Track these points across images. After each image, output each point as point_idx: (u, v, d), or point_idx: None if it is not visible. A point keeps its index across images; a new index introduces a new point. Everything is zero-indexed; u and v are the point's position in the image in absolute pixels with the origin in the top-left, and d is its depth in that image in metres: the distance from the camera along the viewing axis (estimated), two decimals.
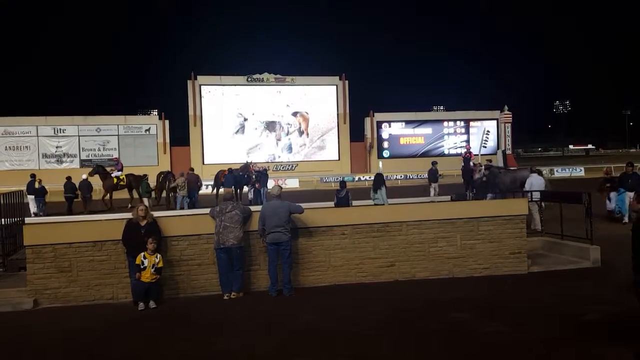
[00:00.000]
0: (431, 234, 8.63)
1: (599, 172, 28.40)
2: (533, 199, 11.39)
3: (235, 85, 44.38)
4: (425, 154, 45.66)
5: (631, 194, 11.29)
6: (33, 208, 18.69)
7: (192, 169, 21.75)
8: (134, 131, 42.28)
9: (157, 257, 7.54)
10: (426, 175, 23.17)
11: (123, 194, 22.41)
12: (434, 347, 5.59)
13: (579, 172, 40.44)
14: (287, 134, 45.61)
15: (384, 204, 12.12)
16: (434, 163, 20.79)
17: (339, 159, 46.07)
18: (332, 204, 12.45)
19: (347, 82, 46.10)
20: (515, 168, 19.75)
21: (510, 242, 8.76)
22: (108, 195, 21.42)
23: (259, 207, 9.07)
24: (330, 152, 46.26)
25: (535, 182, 12.63)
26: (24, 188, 16.26)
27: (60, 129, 40.97)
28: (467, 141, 45.96)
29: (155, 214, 9.30)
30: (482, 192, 13.75)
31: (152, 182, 21.19)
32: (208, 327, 6.59)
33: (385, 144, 47.06)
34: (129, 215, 8.75)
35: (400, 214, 8.77)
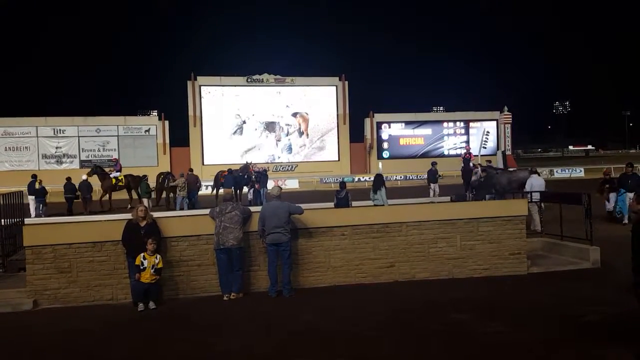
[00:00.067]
0: (431, 234, 8.63)
1: (598, 172, 28.40)
2: (533, 200, 11.39)
3: (235, 86, 44.41)
4: (425, 155, 45.69)
5: (631, 195, 11.29)
6: (33, 209, 18.69)
7: (192, 170, 21.75)
8: (134, 132, 42.30)
9: (156, 257, 7.54)
10: (426, 176, 23.15)
11: (123, 195, 22.40)
12: (434, 347, 5.58)
13: (578, 172, 40.45)
14: (287, 134, 45.63)
15: (383, 205, 12.13)
16: (434, 164, 20.78)
17: (339, 160, 46.10)
18: (331, 204, 12.45)
19: (346, 82, 46.15)
20: (514, 169, 19.76)
21: (510, 243, 8.76)
22: (107, 195, 21.41)
23: (258, 208, 9.08)
24: (330, 152, 46.28)
25: (535, 183, 12.64)
26: (23, 189, 16.26)
27: (60, 130, 40.99)
28: (467, 142, 45.97)
29: (155, 214, 9.30)
30: (480, 194, 13.76)
31: (152, 182, 21.17)
32: (208, 328, 6.58)
33: (385, 145, 47.09)
34: (128, 216, 8.75)
35: (400, 215, 8.77)
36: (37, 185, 19.05)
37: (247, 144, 44.24)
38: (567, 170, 41.07)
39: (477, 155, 32.00)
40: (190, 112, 43.28)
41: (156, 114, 45.12)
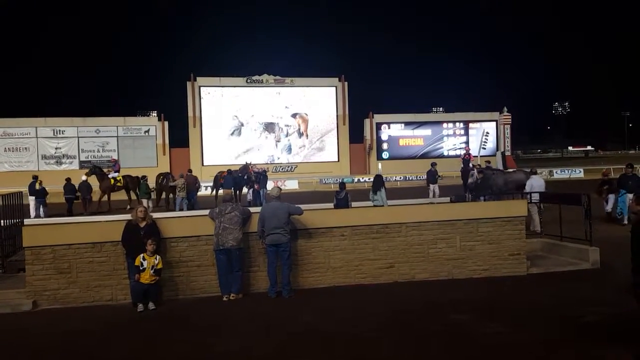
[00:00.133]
0: (430, 235, 8.63)
1: (598, 173, 28.41)
2: (532, 201, 11.40)
3: (234, 86, 44.40)
4: (424, 156, 45.71)
5: (632, 196, 11.29)
6: (33, 209, 18.69)
7: (190, 171, 21.75)
8: (133, 132, 42.29)
9: (156, 258, 7.54)
10: (425, 177, 23.15)
11: (122, 196, 22.39)
12: (434, 348, 5.59)
13: (578, 173, 40.47)
14: (287, 135, 45.62)
15: (383, 206, 12.13)
16: (433, 164, 20.78)
17: (339, 161, 46.09)
18: (331, 205, 12.45)
19: (346, 83, 46.16)
20: (513, 170, 19.77)
21: (510, 244, 8.76)
22: (105, 196, 21.41)
23: (258, 209, 9.07)
24: (330, 153, 46.28)
25: (535, 184, 12.65)
26: (23, 189, 16.24)
27: (59, 130, 40.97)
28: (467, 142, 46.01)
29: (155, 215, 9.31)
30: (476, 195, 13.78)
31: (152, 183, 21.16)
32: (207, 328, 6.58)
33: (385, 146, 47.10)
34: (128, 216, 8.74)
35: (399, 216, 8.77)
36: (37, 186, 19.06)
37: (247, 144, 44.23)
38: (566, 171, 41.09)
39: (477, 156, 32.01)
40: (190, 113, 43.27)
41: (156, 114, 45.05)
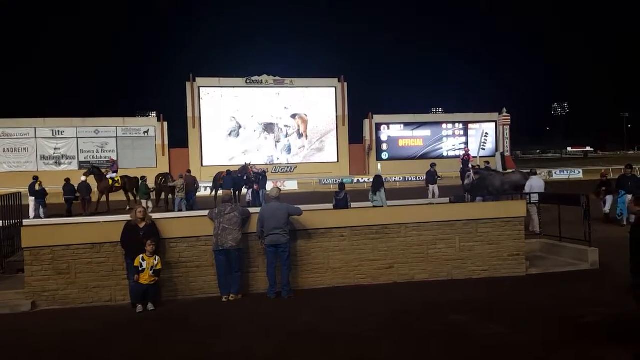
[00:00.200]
0: (430, 236, 8.63)
1: (597, 174, 28.42)
2: (532, 201, 11.39)
3: (233, 87, 44.42)
4: (424, 156, 45.76)
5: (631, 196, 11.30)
6: (32, 210, 18.68)
7: (189, 171, 21.76)
8: (133, 133, 42.30)
9: (155, 259, 7.53)
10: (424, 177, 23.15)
11: (122, 196, 22.37)
12: (433, 349, 5.58)
13: (577, 174, 40.49)
14: (286, 136, 45.63)
15: (382, 206, 12.12)
16: (433, 165, 20.79)
17: (338, 161, 46.11)
18: (331, 206, 12.44)
19: (345, 84, 46.19)
20: (511, 170, 19.77)
21: (509, 244, 8.76)
22: (104, 197, 21.40)
23: (257, 209, 9.07)
24: (329, 154, 46.30)
25: (535, 184, 12.65)
26: (22, 190, 16.23)
27: (58, 131, 40.97)
28: (466, 143, 46.03)
29: (154, 216, 9.30)
30: (473, 195, 13.79)
31: (151, 184, 21.14)
32: (207, 329, 6.57)
33: (384, 146, 47.13)
34: (127, 217, 8.74)
35: (399, 216, 8.77)
36: (37, 187, 19.05)
37: (246, 145, 44.23)
38: (565, 172, 41.11)
39: (476, 157, 32.04)
40: (189, 114, 43.29)
41: (155, 115, 45.04)
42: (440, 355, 5.43)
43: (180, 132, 45.47)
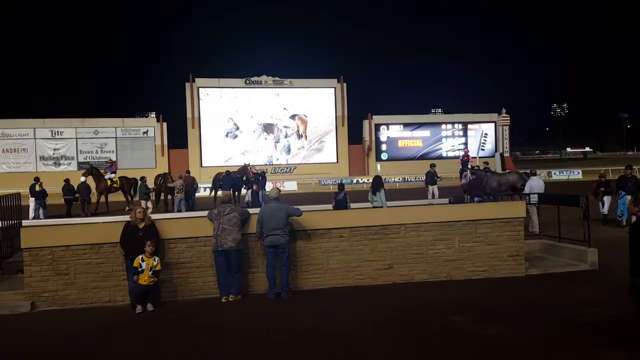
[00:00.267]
0: (429, 236, 8.63)
1: (596, 174, 28.45)
2: (531, 202, 11.40)
3: (233, 87, 44.38)
4: (423, 157, 45.72)
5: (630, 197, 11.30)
6: (32, 211, 18.67)
7: (189, 172, 21.76)
8: (132, 134, 42.26)
9: (155, 259, 7.53)
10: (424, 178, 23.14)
11: (121, 197, 22.36)
12: (433, 349, 5.58)
13: (576, 174, 40.50)
14: (286, 136, 45.61)
15: (382, 207, 12.12)
16: (432, 165, 20.80)
17: (337, 162, 46.08)
18: (330, 206, 12.44)
19: (345, 84, 46.16)
20: (508, 171, 19.78)
21: (509, 245, 8.76)
22: (103, 197, 21.39)
23: (257, 210, 9.06)
24: (329, 154, 46.27)
25: (534, 185, 12.66)
26: (21, 190, 16.21)
27: (57, 132, 40.90)
28: (465, 144, 45.98)
29: (153, 216, 9.29)
30: (470, 196, 13.80)
31: (151, 184, 21.13)
32: (206, 329, 6.57)
33: (384, 147, 47.09)
34: (127, 217, 8.73)
35: (398, 217, 8.77)
36: (37, 188, 19.04)
37: (245, 146, 44.21)
38: (565, 172, 41.12)
39: (475, 157, 32.02)
40: (189, 114, 43.25)
41: (154, 115, 45.07)
42: (440, 355, 5.43)
43: (179, 133, 45.46)
